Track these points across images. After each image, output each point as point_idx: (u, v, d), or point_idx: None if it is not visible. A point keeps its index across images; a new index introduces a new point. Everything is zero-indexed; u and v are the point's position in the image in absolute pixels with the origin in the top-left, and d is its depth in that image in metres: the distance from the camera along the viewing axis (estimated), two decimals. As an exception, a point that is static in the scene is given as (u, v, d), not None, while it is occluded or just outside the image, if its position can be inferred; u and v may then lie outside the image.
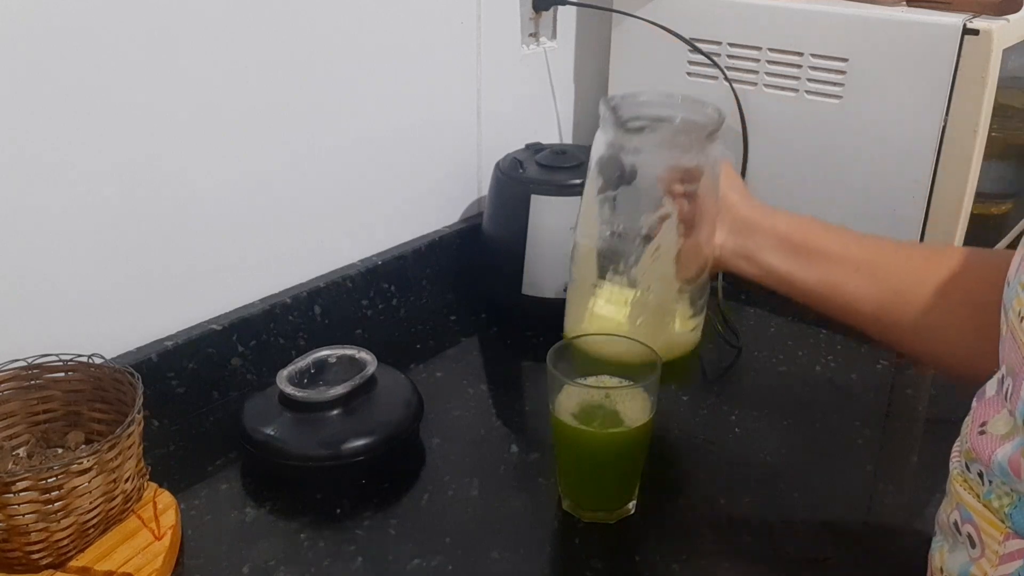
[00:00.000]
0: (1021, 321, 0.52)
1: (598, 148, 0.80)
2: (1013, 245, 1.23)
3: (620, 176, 0.79)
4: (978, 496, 0.54)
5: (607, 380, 0.76)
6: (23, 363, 0.73)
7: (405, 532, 0.74)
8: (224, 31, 0.84)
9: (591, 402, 0.74)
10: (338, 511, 0.77)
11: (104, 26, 0.76)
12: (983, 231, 1.12)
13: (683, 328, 0.84)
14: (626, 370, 0.75)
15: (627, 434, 0.73)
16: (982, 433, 0.54)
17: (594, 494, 0.76)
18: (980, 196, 1.03)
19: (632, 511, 0.76)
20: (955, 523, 0.56)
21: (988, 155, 1.01)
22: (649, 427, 0.73)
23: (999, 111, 0.99)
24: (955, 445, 0.60)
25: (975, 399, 0.58)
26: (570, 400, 0.74)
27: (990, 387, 0.57)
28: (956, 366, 0.73)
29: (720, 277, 1.12)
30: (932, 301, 0.71)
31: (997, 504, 0.52)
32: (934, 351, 0.74)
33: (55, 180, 0.76)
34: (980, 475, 0.54)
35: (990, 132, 0.99)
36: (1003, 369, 0.55)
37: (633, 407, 0.73)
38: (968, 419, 0.58)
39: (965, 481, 0.56)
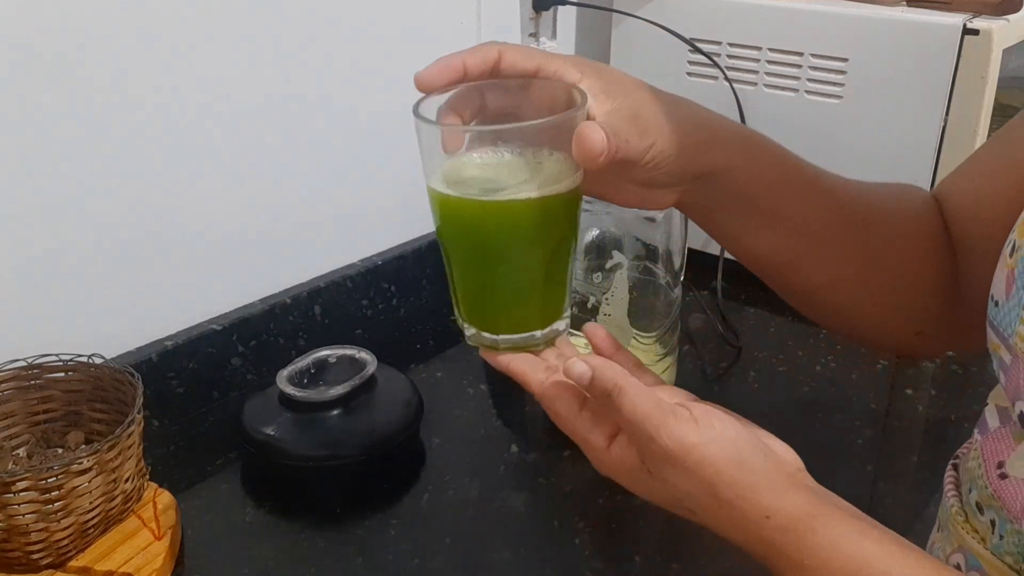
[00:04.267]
0: None
1: None
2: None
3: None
4: (984, 541, 0.50)
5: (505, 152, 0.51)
6: (23, 363, 0.73)
7: (405, 532, 0.74)
8: (225, 32, 0.84)
9: (490, 161, 0.50)
10: (338, 511, 0.77)
11: (105, 28, 0.76)
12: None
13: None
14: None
15: (549, 202, 0.49)
16: (1004, 477, 0.48)
17: (511, 305, 0.53)
18: (980, 196, 1.03)
19: (562, 332, 0.54)
20: (957, 565, 0.51)
21: (988, 155, 1.01)
22: (578, 196, 0.51)
23: (999, 111, 0.99)
24: (947, 475, 0.55)
25: (977, 431, 0.53)
26: (460, 162, 0.50)
27: (991, 417, 0.52)
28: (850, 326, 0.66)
29: (719, 277, 1.12)
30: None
31: (1011, 560, 0.48)
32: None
33: (55, 181, 0.76)
34: (992, 523, 0.49)
35: (990, 132, 0.99)
36: (1007, 396, 0.49)
37: (551, 163, 0.50)
38: (973, 455, 0.52)
39: (967, 522, 0.51)
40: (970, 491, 0.52)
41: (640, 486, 0.49)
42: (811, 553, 0.44)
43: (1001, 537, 0.49)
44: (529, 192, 0.48)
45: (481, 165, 0.50)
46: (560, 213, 0.50)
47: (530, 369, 0.52)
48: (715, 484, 0.46)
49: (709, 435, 0.46)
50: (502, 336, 0.53)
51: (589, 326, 0.55)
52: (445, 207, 0.51)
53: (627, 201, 0.55)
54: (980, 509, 0.51)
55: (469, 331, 0.55)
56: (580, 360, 0.48)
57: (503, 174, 0.50)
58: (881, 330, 0.64)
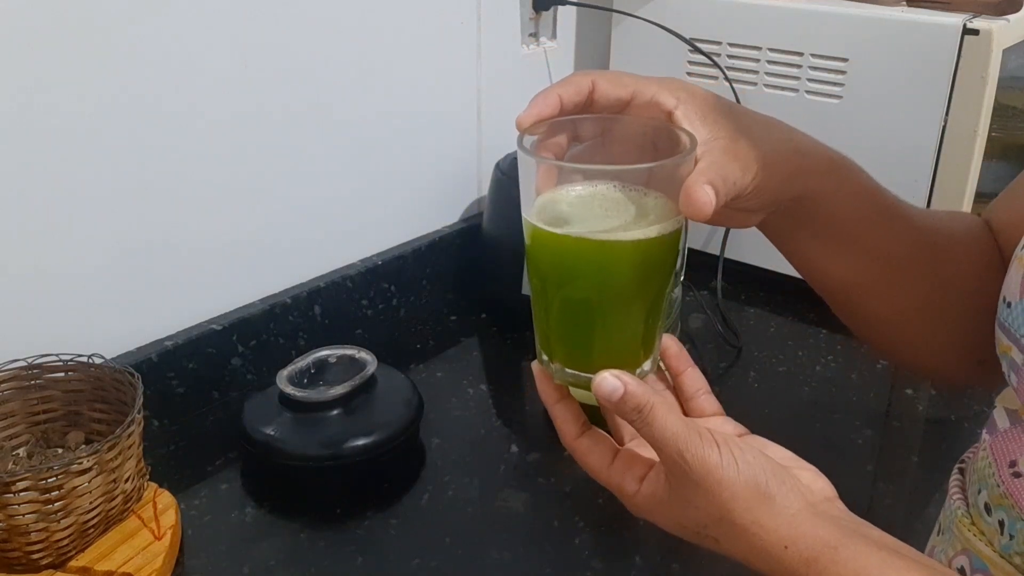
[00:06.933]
0: None
1: None
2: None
3: None
4: (991, 544, 0.50)
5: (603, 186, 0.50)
6: (23, 363, 0.73)
7: (405, 532, 0.74)
8: (225, 32, 0.84)
9: (591, 197, 0.49)
10: (338, 511, 0.77)
11: (106, 30, 0.76)
12: (983, 231, 1.12)
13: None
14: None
15: (649, 244, 0.48)
16: (1018, 476, 0.48)
17: (602, 344, 0.51)
18: (980, 196, 1.03)
19: (649, 371, 0.53)
20: (961, 568, 0.51)
21: (988, 155, 1.01)
22: (679, 236, 0.50)
23: (999, 111, 0.99)
24: (953, 479, 0.55)
25: (985, 432, 0.53)
26: (557, 196, 0.49)
27: (1000, 418, 0.52)
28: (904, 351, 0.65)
29: (719, 277, 1.12)
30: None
31: (1020, 560, 0.47)
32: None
33: (55, 180, 0.76)
34: (1001, 524, 0.49)
35: (990, 132, 0.99)
36: (1018, 398, 0.49)
37: (654, 205, 0.48)
38: (982, 455, 0.52)
39: (974, 525, 0.51)
40: (979, 492, 0.52)
41: (670, 518, 0.49)
42: None
43: (1011, 537, 0.48)
44: (630, 233, 0.47)
45: (581, 202, 0.49)
46: (659, 254, 0.49)
47: (571, 420, 0.52)
48: (731, 509, 0.45)
49: (728, 459, 0.45)
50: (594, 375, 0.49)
51: (667, 339, 0.54)
52: (542, 241, 0.49)
53: (712, 221, 0.51)
54: (988, 510, 0.51)
55: (553, 367, 0.52)
56: (612, 376, 0.47)
57: (605, 213, 0.48)
58: (946, 360, 0.63)
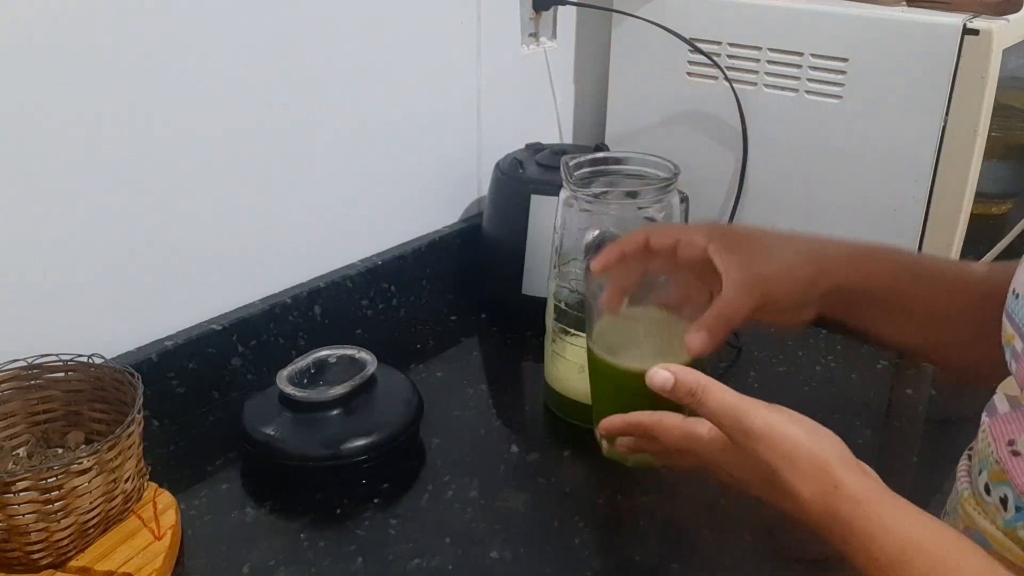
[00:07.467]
0: None
1: (560, 209, 0.85)
2: (1013, 246, 1.23)
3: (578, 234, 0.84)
4: (994, 521, 0.51)
5: (655, 311, 0.71)
6: (23, 363, 0.73)
7: (405, 532, 0.74)
8: (225, 32, 0.84)
9: (635, 324, 0.69)
10: (338, 511, 0.77)
11: (107, 30, 0.76)
12: (983, 231, 1.12)
13: None
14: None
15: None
16: (1017, 454, 0.50)
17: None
18: (980, 196, 1.03)
19: None
20: None
21: (988, 155, 1.01)
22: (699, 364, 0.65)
23: (999, 111, 0.99)
24: (961, 462, 0.57)
25: (985, 414, 0.55)
26: (611, 328, 0.68)
27: (1000, 403, 0.54)
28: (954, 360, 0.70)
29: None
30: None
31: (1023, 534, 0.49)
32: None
33: (55, 181, 0.76)
34: (1003, 500, 0.51)
35: (990, 132, 0.99)
36: (1018, 385, 0.51)
37: (679, 336, 0.64)
38: (983, 436, 0.54)
39: (979, 504, 0.53)
40: (980, 472, 0.54)
41: (735, 467, 0.56)
42: (878, 523, 0.48)
43: (1018, 509, 0.50)
44: (648, 364, 0.61)
45: (626, 329, 0.67)
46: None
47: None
48: (794, 456, 0.52)
49: (786, 416, 0.54)
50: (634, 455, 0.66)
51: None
52: (592, 360, 0.68)
53: (768, 322, 0.66)
54: (988, 490, 0.53)
55: (604, 443, 0.68)
56: (661, 369, 0.57)
57: (645, 338, 0.68)
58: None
